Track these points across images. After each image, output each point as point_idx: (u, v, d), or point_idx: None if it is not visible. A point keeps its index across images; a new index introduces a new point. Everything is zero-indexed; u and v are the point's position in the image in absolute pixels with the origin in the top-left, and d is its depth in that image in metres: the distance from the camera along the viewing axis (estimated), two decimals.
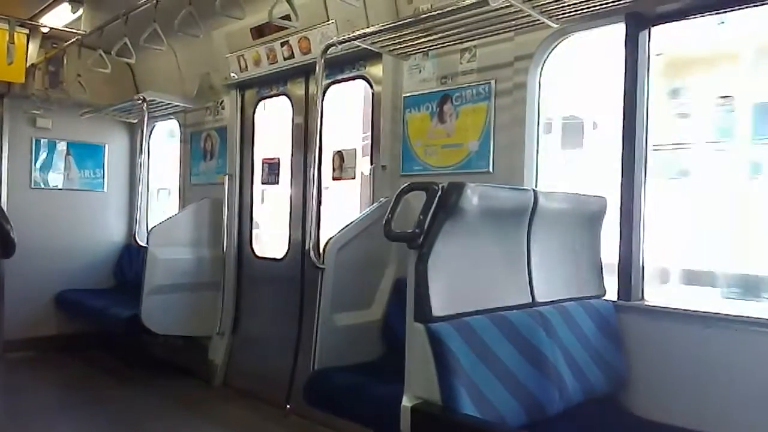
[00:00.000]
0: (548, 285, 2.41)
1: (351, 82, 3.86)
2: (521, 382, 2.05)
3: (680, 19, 2.50)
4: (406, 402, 1.95)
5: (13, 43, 4.40)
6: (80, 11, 4.58)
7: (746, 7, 2.35)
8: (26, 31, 4.75)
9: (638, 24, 2.53)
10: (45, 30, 4.95)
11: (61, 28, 4.88)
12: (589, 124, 3.92)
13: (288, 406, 3.94)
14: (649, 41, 2.56)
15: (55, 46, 5.06)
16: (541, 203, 2.30)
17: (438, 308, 1.96)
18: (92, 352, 5.43)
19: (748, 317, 2.26)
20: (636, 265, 2.57)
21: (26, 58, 4.87)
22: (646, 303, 2.57)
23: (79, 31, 4.70)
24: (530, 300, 2.34)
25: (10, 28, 4.39)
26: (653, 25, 2.54)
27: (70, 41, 4.75)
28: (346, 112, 4.34)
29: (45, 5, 4.48)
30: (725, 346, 2.26)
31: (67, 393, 4.54)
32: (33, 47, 5.00)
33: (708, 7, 2.41)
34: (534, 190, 2.36)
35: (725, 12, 2.41)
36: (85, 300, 5.27)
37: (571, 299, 2.47)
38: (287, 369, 4.04)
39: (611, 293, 2.65)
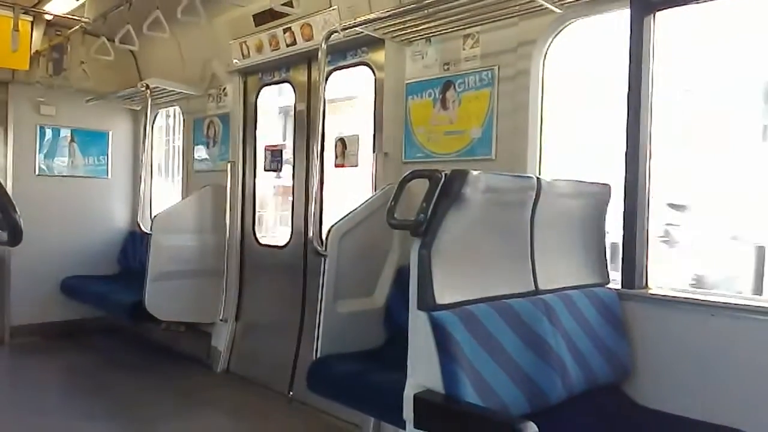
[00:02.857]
0: (551, 273, 2.40)
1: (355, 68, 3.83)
2: (524, 370, 2.05)
3: (686, 4, 2.46)
4: (410, 390, 1.96)
5: (18, 30, 4.37)
6: None
7: None
8: (30, 18, 4.71)
9: (643, 9, 2.49)
10: (49, 17, 4.92)
11: (65, 15, 4.85)
12: None
13: (290, 393, 3.98)
14: (653, 26, 2.52)
15: (58, 33, 5.04)
16: (545, 190, 2.29)
17: (441, 296, 1.96)
18: (96, 337, 5.48)
19: (754, 306, 2.24)
20: (640, 252, 2.55)
21: (30, 46, 4.84)
22: (649, 291, 2.56)
23: (82, 19, 4.68)
24: (533, 288, 2.33)
25: (14, 16, 4.37)
26: (658, 10, 2.50)
27: (74, 28, 4.74)
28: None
29: None
30: (731, 335, 2.24)
31: (70, 378, 4.58)
32: (37, 34, 4.97)
33: None
34: (537, 177, 2.34)
35: None
36: (90, 286, 5.30)
37: (574, 287, 2.46)
38: (290, 356, 4.06)
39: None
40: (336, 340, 2.90)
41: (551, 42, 2.79)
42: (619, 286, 2.59)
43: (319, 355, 2.86)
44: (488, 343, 1.99)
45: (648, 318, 2.48)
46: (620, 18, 2.55)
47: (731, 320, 2.25)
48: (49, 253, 5.34)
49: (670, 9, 2.48)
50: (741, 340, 2.22)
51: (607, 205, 2.63)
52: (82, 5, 4.64)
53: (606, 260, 2.66)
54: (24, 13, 4.55)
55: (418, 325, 1.95)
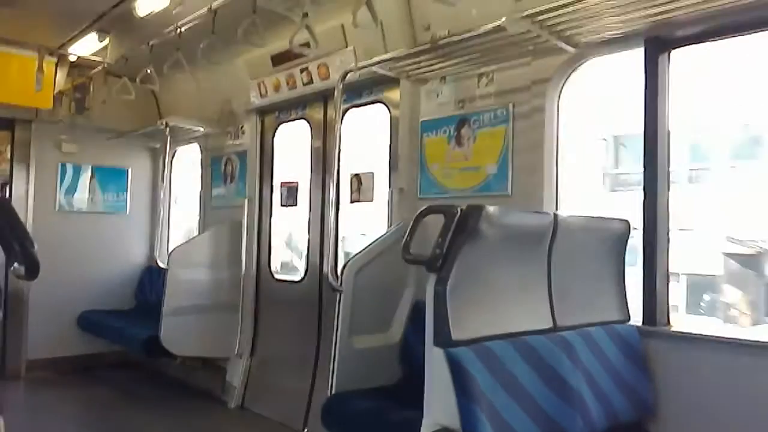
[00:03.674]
0: (570, 309, 2.38)
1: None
2: (543, 409, 2.01)
3: (700, 42, 2.50)
4: (426, 430, 1.92)
5: (42, 71, 4.53)
6: (107, 40, 4.73)
7: (764, 30, 2.34)
8: (55, 59, 4.89)
9: (658, 48, 2.53)
10: (73, 58, 5.10)
11: (88, 57, 5.02)
12: None
13: (305, 430, 3.91)
14: (669, 64, 2.55)
15: (81, 74, 5.21)
16: (562, 226, 2.28)
17: (457, 332, 1.94)
18: (112, 372, 5.46)
19: None
20: (661, 289, 2.52)
21: (54, 86, 5.01)
22: (672, 329, 2.51)
23: (105, 60, 4.84)
24: (552, 324, 2.30)
25: (39, 57, 4.53)
26: (673, 48, 2.54)
27: (97, 69, 4.89)
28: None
29: (73, 35, 4.63)
30: (758, 374, 2.18)
31: (85, 413, 4.55)
32: (61, 75, 5.13)
33: (727, 30, 2.40)
34: (554, 213, 2.34)
35: (743, 35, 2.40)
36: (106, 321, 5.32)
37: (594, 324, 2.43)
38: (305, 392, 4.00)
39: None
40: (351, 377, 2.87)
41: (566, 80, 2.83)
42: (639, 323, 2.55)
43: (334, 392, 2.83)
44: (506, 380, 1.96)
45: (671, 356, 2.43)
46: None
47: (758, 359, 2.19)
48: (66, 287, 5.37)
49: (685, 47, 2.52)
50: None
51: (626, 241, 2.61)
52: (105, 47, 4.81)
53: (626, 297, 2.62)
54: (49, 55, 4.72)
55: (435, 362, 1.93)
